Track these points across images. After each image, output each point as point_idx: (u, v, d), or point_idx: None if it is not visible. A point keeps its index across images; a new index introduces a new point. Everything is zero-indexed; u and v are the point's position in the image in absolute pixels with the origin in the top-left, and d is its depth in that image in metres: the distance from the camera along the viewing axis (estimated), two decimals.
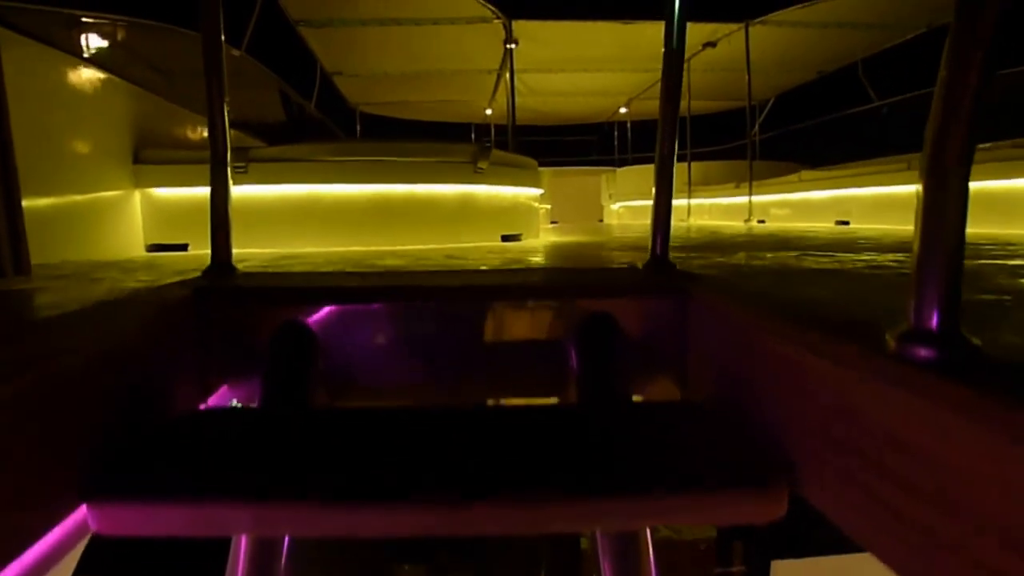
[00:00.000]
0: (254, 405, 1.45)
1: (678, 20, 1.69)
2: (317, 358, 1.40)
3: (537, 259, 3.35)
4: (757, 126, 10.98)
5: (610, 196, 14.53)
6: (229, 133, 1.89)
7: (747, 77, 10.72)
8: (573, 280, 1.70)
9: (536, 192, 5.86)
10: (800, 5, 9.31)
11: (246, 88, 8.31)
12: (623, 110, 16.17)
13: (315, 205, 4.75)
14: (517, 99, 10.36)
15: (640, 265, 1.95)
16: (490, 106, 15.06)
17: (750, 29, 10.02)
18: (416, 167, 4.80)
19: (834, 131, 13.61)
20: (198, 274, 1.72)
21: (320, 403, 1.43)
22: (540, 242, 5.23)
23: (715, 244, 4.51)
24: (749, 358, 1.07)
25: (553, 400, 1.66)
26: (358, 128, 15.17)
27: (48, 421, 0.72)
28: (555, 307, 1.60)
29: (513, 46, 9.75)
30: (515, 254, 3.69)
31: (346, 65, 11.61)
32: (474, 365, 1.57)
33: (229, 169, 1.89)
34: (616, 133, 18.47)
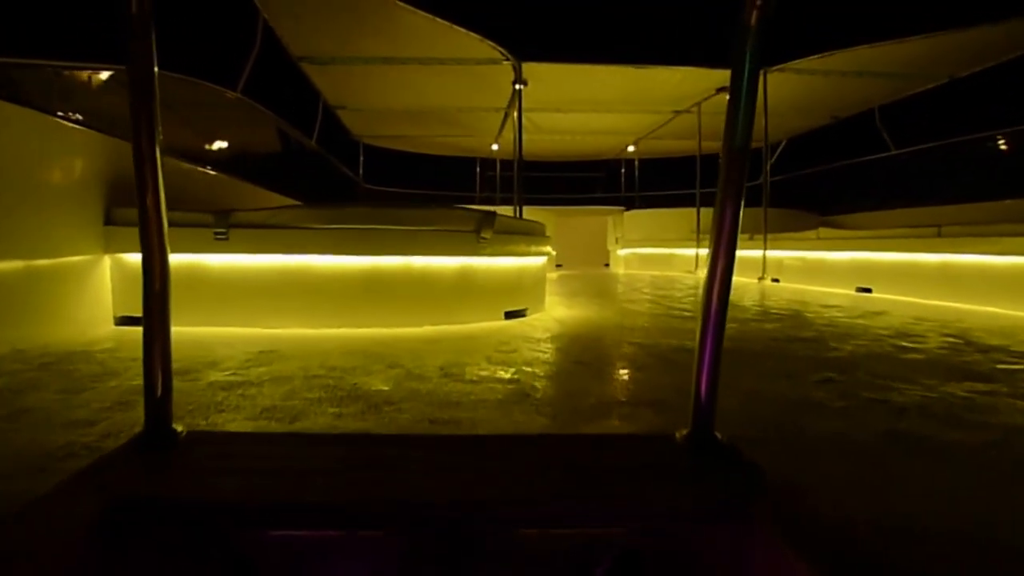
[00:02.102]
0: None
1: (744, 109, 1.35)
2: None
3: (543, 382, 2.90)
4: (768, 168, 10.61)
5: (617, 240, 14.10)
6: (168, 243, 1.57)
7: (764, 123, 10.35)
8: (592, 486, 1.32)
9: (542, 260, 5.44)
10: (818, 55, 9.01)
11: (242, 130, 7.93)
12: (631, 148, 15.85)
13: (302, 278, 4.31)
14: (524, 136, 10.05)
15: (677, 435, 1.57)
16: (496, 141, 14.73)
17: (767, 76, 9.70)
18: (413, 236, 4.37)
19: (847, 177, 13.28)
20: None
21: None
22: (547, 324, 4.79)
23: (741, 343, 4.08)
24: None
25: None
26: (361, 159, 14.83)
27: None
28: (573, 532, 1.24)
29: (522, 87, 9.43)
30: (520, 365, 3.25)
31: (350, 100, 11.27)
32: None
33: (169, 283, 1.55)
34: (623, 170, 18.14)
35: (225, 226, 4.17)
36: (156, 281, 1.57)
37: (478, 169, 17.77)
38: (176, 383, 2.70)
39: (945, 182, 10.86)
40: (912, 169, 11.50)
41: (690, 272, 12.36)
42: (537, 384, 2.75)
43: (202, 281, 4.31)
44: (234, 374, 2.87)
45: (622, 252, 13.75)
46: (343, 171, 13.57)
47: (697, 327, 1.59)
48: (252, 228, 4.22)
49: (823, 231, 8.54)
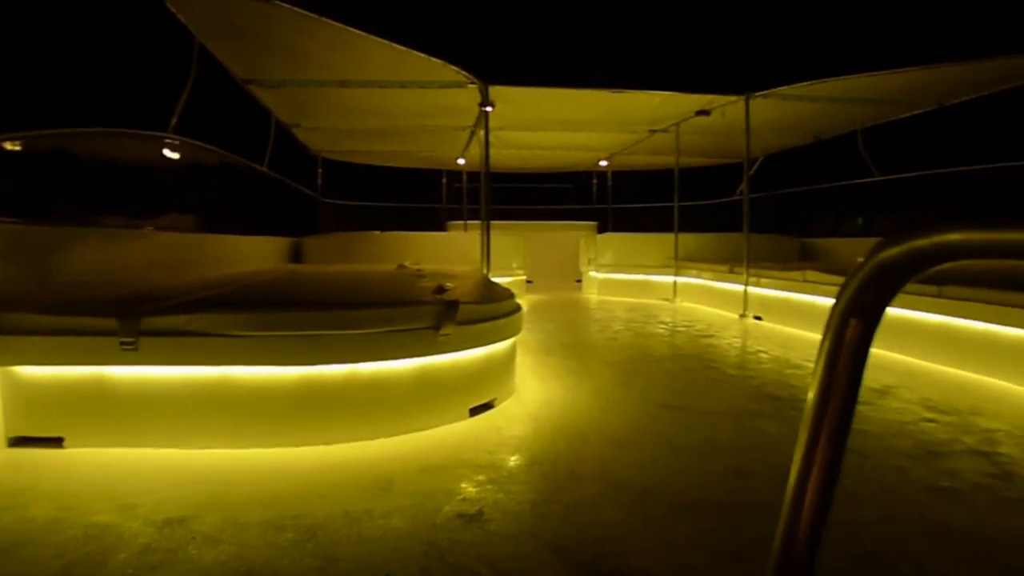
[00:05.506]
0: None
1: None
2: None
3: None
4: (746, 190, 10.06)
5: (589, 261, 13.50)
6: None
7: (746, 146, 9.79)
8: None
9: (511, 341, 4.81)
10: (807, 82, 8.52)
11: (177, 174, 7.15)
12: (603, 163, 15.28)
13: (224, 391, 3.62)
14: (492, 151, 9.44)
15: None
16: (463, 156, 14.08)
17: (751, 101, 9.19)
18: (360, 340, 3.72)
19: (827, 200, 12.86)
20: None
21: None
22: (516, 427, 4.15)
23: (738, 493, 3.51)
24: None
25: None
26: (319, 172, 14.03)
27: None
28: None
29: (489, 108, 8.80)
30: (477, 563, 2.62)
31: (305, 119, 10.56)
32: None
33: None
34: (595, 181, 17.60)
35: (133, 334, 3.47)
36: None
37: (444, 180, 17.07)
38: None
39: (934, 212, 10.38)
40: (896, 197, 11.04)
41: (668, 300, 11.84)
42: None
43: (108, 397, 3.60)
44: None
45: (596, 275, 13.12)
46: (300, 191, 12.78)
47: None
48: (166, 336, 3.53)
49: (810, 274, 8.00)
